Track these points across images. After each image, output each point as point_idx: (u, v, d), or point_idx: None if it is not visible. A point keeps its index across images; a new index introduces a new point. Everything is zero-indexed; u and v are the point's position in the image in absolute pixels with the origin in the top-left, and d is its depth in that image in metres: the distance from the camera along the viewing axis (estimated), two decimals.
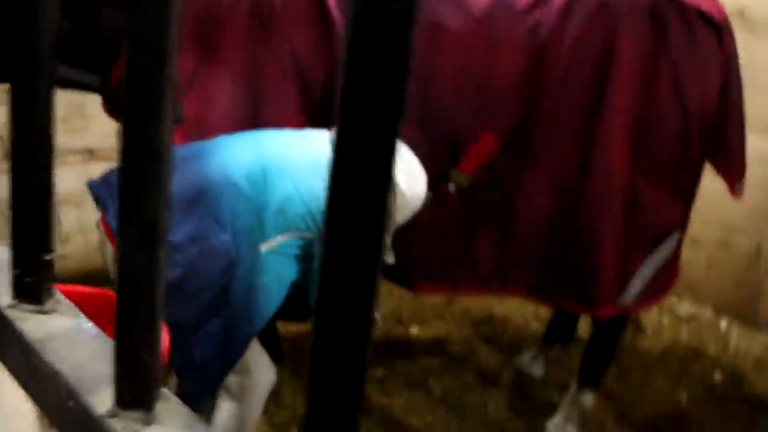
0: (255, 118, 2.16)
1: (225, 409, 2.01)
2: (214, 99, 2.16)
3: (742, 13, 3.09)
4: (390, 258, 2.18)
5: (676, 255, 2.40)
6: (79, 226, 3.10)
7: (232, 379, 1.96)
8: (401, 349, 3.00)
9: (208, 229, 1.79)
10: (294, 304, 2.04)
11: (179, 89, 2.13)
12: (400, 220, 2.00)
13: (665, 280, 2.40)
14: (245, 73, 2.17)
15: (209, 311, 1.83)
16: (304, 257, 1.90)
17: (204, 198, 1.80)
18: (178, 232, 1.78)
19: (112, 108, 2.21)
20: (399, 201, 1.96)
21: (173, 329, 1.79)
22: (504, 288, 2.34)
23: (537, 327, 3.05)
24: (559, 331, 2.85)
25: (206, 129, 2.09)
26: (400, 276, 2.31)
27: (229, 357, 1.88)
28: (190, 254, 1.78)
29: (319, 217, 1.91)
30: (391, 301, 3.11)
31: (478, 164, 2.21)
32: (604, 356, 2.55)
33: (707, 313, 3.35)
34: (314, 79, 2.20)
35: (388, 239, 2.15)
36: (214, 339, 1.85)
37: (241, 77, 2.17)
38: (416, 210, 2.01)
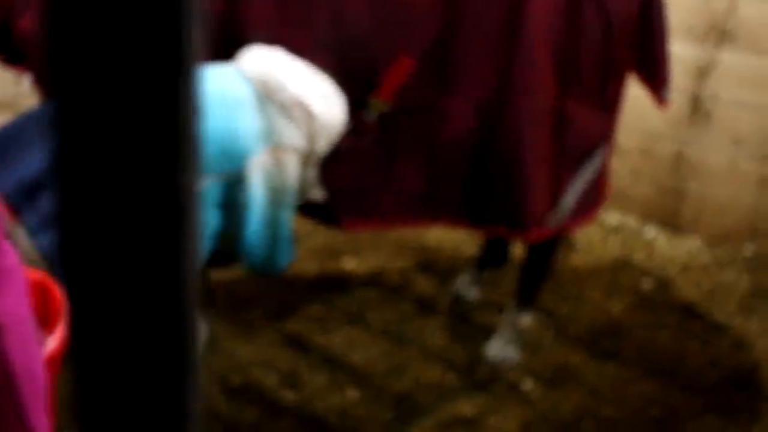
0: None
1: None
2: None
3: None
4: (318, 193, 2.10)
5: (604, 168, 2.39)
6: None
7: None
8: (337, 284, 2.95)
9: None
10: (223, 251, 1.96)
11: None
12: (320, 147, 1.93)
13: (596, 194, 2.40)
14: None
15: None
16: (227, 204, 1.81)
17: None
18: None
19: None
20: (317, 126, 1.88)
21: None
22: (433, 216, 2.30)
23: (471, 251, 3.04)
24: (492, 254, 2.85)
25: None
26: (327, 213, 2.24)
27: None
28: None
29: (236, 157, 1.81)
30: (321, 235, 3.04)
31: (395, 89, 2.13)
32: (539, 277, 2.56)
33: (633, 221, 3.41)
34: (212, 11, 2.07)
35: (314, 172, 2.07)
36: None
37: None
38: (335, 136, 1.94)
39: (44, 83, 2.11)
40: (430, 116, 2.17)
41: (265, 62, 1.90)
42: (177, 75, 0.29)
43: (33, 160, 1.68)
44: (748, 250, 3.20)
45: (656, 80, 2.31)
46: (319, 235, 3.04)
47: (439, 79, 2.15)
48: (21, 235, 1.65)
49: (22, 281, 1.12)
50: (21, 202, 1.66)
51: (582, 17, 2.13)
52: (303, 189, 2.00)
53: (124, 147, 0.29)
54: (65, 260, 0.31)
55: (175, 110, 0.30)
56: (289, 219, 1.97)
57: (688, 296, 3.01)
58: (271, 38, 2.04)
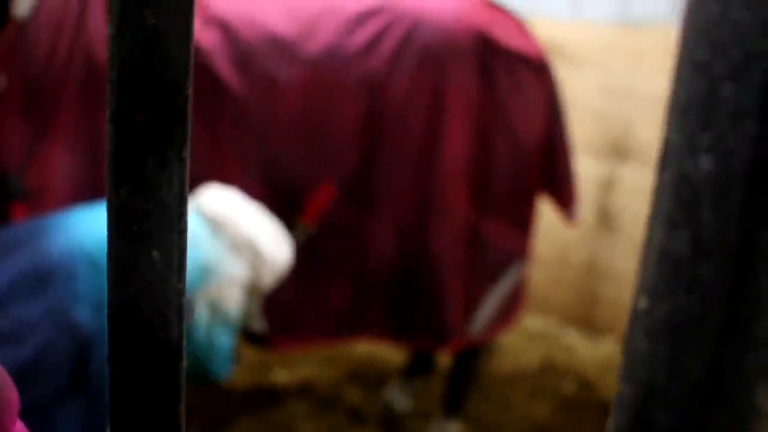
0: (98, 183, 2.10)
1: None
2: (55, 169, 2.08)
3: (559, 47, 3.34)
4: (260, 324, 2.19)
5: (521, 279, 2.55)
6: None
7: None
8: (268, 397, 2.98)
9: (63, 304, 1.72)
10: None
11: (18, 164, 2.04)
12: (266, 284, 2.02)
13: (514, 303, 2.55)
14: (85, 138, 2.11)
15: (65, 392, 1.76)
16: None
17: (55, 273, 1.74)
18: (28, 310, 1.72)
19: None
20: (264, 265, 1.98)
21: (26, 416, 1.70)
22: (359, 333, 2.41)
23: (399, 360, 3.13)
24: (420, 363, 2.94)
25: (51, 199, 2.03)
26: (254, 334, 2.31)
27: None
28: (43, 332, 1.71)
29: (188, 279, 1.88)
30: (253, 347, 3.08)
31: (319, 213, 2.26)
32: (464, 384, 2.67)
33: (554, 325, 3.57)
34: None
35: (257, 305, 2.16)
36: (73, 422, 1.77)
37: (82, 142, 2.11)
38: (281, 275, 2.04)
39: None
40: (354, 238, 2.30)
41: (219, 201, 2.01)
42: None
43: None
44: None
45: (564, 200, 2.51)
46: (251, 348, 3.09)
47: (361, 203, 2.29)
48: None
49: None
50: None
51: (492, 144, 2.33)
52: (246, 319, 2.09)
53: None
54: None
55: None
56: (229, 340, 2.03)
57: (609, 397, 3.14)
58: (201, 161, 2.15)
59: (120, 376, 0.45)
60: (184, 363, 0.46)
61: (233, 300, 1.95)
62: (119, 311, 0.45)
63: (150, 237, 0.43)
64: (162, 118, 0.41)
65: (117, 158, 0.42)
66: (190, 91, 0.42)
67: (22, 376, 1.77)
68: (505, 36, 2.31)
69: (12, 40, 2.04)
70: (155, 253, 0.44)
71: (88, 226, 1.81)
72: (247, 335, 2.32)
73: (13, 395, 0.60)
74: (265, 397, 2.97)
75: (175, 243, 0.45)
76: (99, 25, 2.09)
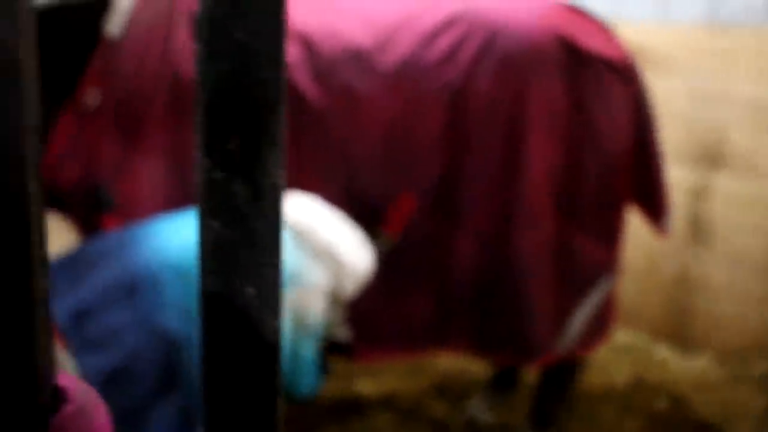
0: (186, 194, 2.16)
1: None
2: (143, 182, 2.16)
3: (645, 51, 3.24)
4: (343, 332, 2.20)
5: (610, 295, 2.47)
6: None
7: None
8: (351, 406, 2.98)
9: (150, 312, 1.78)
10: None
11: (107, 177, 2.12)
12: (347, 292, 2.03)
13: (605, 318, 2.46)
14: (171, 153, 2.18)
15: (156, 395, 1.81)
16: None
17: (142, 283, 1.81)
18: (118, 318, 1.78)
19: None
20: (345, 273, 1.99)
21: (120, 419, 1.77)
22: (443, 345, 2.37)
23: (483, 373, 3.08)
24: (504, 378, 2.88)
25: (139, 210, 2.10)
26: (337, 345, 2.32)
27: None
28: (132, 339, 1.77)
29: None
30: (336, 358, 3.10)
31: (402, 224, 2.25)
32: (553, 400, 2.59)
33: (644, 340, 3.45)
34: None
35: (340, 313, 2.16)
36: (166, 423, 1.82)
37: (168, 157, 2.18)
38: (362, 283, 2.05)
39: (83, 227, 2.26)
40: (437, 249, 2.28)
41: (301, 209, 2.03)
42: None
43: (83, 289, 1.81)
44: (760, 367, 3.22)
45: (655, 210, 2.41)
46: (335, 358, 3.10)
47: (444, 214, 2.26)
48: (66, 357, 1.75)
49: None
50: (69, 326, 1.78)
51: (578, 153, 2.26)
52: (329, 327, 2.10)
53: None
54: None
55: None
56: (313, 351, 2.04)
57: (702, 415, 3.00)
58: (288, 180, 2.18)
59: (218, 415, 0.44)
60: (281, 404, 0.44)
61: (316, 308, 1.96)
62: (214, 349, 0.43)
63: (243, 272, 0.41)
64: (254, 143, 0.39)
65: (208, 187, 0.39)
66: (284, 113, 0.40)
67: (113, 381, 1.83)
68: (588, 40, 2.25)
69: (106, 57, 2.13)
70: (249, 290, 0.42)
71: (173, 235, 1.87)
72: (331, 345, 2.33)
73: (101, 408, 0.60)
74: (348, 407, 2.98)
75: (270, 278, 0.42)
76: (184, 42, 2.16)
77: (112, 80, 2.13)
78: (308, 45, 2.22)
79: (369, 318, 2.29)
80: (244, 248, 0.41)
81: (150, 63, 2.16)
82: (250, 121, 0.40)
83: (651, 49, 3.33)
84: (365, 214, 2.22)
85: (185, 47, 2.16)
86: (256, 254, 0.42)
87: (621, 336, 3.41)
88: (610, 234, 2.38)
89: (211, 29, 0.39)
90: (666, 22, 3.51)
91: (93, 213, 2.18)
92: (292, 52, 2.18)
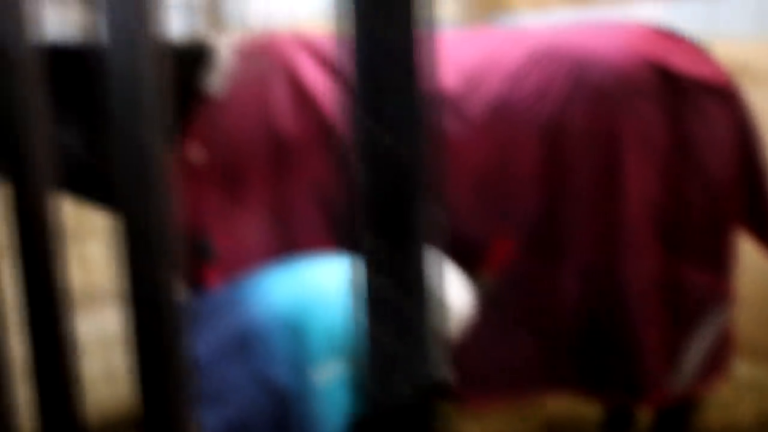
0: (286, 246, 2.20)
1: None
2: (244, 232, 2.22)
3: (745, 68, 3.09)
4: (446, 376, 2.15)
5: (726, 327, 2.32)
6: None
7: None
8: None
9: (262, 366, 1.82)
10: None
11: (209, 230, 2.19)
12: (454, 335, 2.00)
13: (720, 355, 2.32)
14: (271, 204, 2.23)
15: None
16: (356, 383, 1.89)
17: (253, 337, 1.86)
18: (231, 372, 1.83)
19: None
20: (451, 318, 1.96)
21: None
22: (549, 386, 2.28)
23: (596, 415, 2.94)
24: (618, 419, 2.75)
25: (241, 264, 2.14)
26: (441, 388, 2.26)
27: None
28: (246, 393, 1.81)
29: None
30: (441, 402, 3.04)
31: (500, 265, 2.20)
32: None
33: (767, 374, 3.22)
34: (336, 202, 2.25)
35: (442, 354, 2.12)
36: None
37: (268, 208, 2.23)
38: (464, 326, 2.02)
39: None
40: (539, 287, 2.21)
41: None
42: None
43: (198, 345, 1.86)
44: None
45: (766, 233, 2.27)
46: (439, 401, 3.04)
47: (545, 252, 2.20)
48: None
49: None
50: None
51: (681, 181, 2.16)
52: (431, 368, 2.06)
53: None
54: None
55: None
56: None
57: None
58: None
59: None
60: None
61: None
62: (380, 403, 0.43)
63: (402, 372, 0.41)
64: (399, 241, 0.40)
65: (360, 287, 0.40)
66: (425, 214, 0.40)
67: None
68: (681, 63, 2.16)
69: (208, 115, 2.22)
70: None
71: (281, 290, 1.92)
72: (435, 388, 2.28)
73: None
74: None
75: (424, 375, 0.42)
76: (282, 100, 2.23)
77: (215, 136, 2.22)
78: None
79: (472, 362, 2.24)
80: (399, 352, 0.43)
81: (250, 120, 2.23)
82: (393, 221, 0.42)
83: (751, 65, 3.16)
84: (464, 255, 2.19)
85: (283, 105, 2.23)
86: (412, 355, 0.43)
87: (743, 370, 3.20)
88: (719, 262, 2.25)
89: (362, 137, 0.42)
90: (765, 35, 3.34)
91: (194, 264, 2.24)
92: None
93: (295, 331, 1.83)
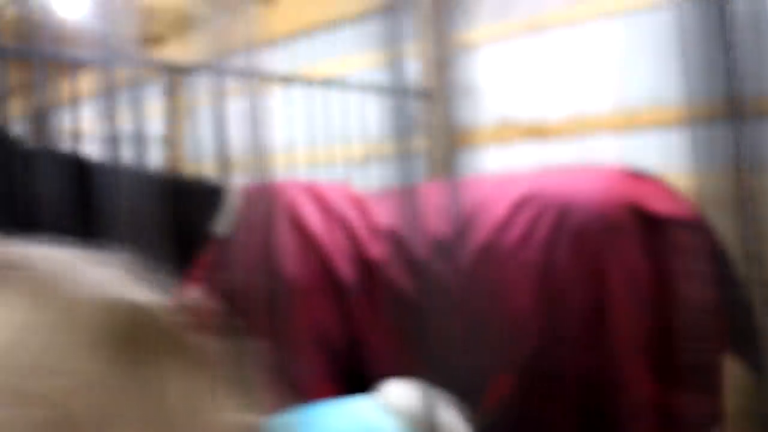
0: (285, 390, 2.24)
1: None
2: None
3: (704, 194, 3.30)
4: None
5: None
6: None
7: None
8: None
9: None
10: None
11: None
12: None
13: None
14: (270, 345, 2.28)
15: None
16: None
17: None
18: None
19: None
20: None
21: None
22: None
23: None
24: None
25: None
26: None
27: None
28: None
29: None
30: None
31: (498, 401, 2.28)
32: None
33: None
34: (338, 349, 2.32)
35: None
36: None
37: (270, 351, 2.27)
38: None
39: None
40: (536, 423, 2.28)
41: (404, 395, 2.08)
42: None
43: None
44: None
45: (753, 357, 2.39)
46: None
47: (540, 385, 2.28)
48: None
49: None
50: None
51: (666, 313, 2.29)
52: None
53: None
54: None
55: None
56: None
57: None
58: (388, 361, 2.25)
59: None
60: None
61: None
62: None
63: None
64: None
65: None
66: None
67: None
68: (656, 202, 2.35)
69: (215, 256, 2.30)
70: None
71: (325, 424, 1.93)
72: None
73: None
74: None
75: None
76: (284, 242, 2.33)
77: (220, 277, 2.29)
78: (398, 242, 2.37)
79: None
80: None
81: (252, 259, 2.32)
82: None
83: (710, 192, 3.38)
84: (464, 391, 2.26)
85: (287, 248, 2.33)
86: None
87: None
88: (709, 385, 2.36)
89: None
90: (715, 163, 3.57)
91: None
92: (386, 250, 2.33)
93: None
